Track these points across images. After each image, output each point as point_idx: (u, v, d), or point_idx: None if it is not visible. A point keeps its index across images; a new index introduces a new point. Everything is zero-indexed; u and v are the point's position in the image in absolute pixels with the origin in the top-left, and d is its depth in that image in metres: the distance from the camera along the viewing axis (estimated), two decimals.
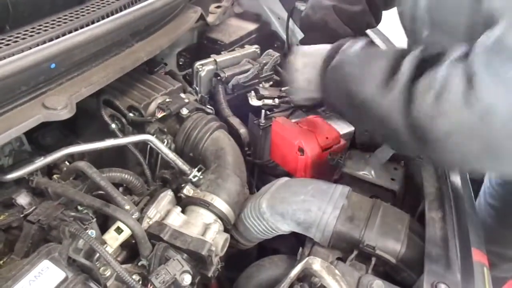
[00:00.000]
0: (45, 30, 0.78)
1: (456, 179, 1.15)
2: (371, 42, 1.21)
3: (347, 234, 0.98)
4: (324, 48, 1.10)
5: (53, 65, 0.73)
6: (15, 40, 0.74)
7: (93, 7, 0.89)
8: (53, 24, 0.80)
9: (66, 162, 1.18)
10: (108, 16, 0.87)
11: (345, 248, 0.99)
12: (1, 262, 0.93)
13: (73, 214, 0.96)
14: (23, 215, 0.97)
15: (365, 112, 0.90)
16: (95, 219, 0.99)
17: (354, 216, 1.00)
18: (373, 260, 0.95)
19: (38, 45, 0.72)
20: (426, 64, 0.81)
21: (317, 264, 0.82)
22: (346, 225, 0.99)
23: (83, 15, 0.86)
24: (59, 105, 0.75)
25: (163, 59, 1.67)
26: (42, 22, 0.81)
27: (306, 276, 0.88)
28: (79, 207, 1.01)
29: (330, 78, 1.01)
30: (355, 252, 0.97)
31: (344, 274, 0.86)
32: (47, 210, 0.96)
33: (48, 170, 1.16)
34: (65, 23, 0.81)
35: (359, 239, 0.96)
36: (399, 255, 0.94)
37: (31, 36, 0.76)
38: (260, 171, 1.58)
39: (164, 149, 1.11)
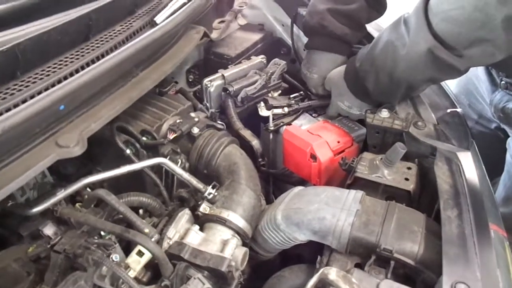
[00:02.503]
0: (54, 72, 0.82)
1: (472, 173, 1.13)
2: None
3: (363, 240, 0.98)
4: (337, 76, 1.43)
5: (62, 107, 0.77)
6: (26, 85, 0.78)
7: (97, 43, 0.93)
8: (60, 64, 0.84)
9: (88, 189, 1.23)
10: (112, 51, 0.91)
11: (363, 254, 1.00)
12: None
13: (96, 241, 1.00)
14: (50, 245, 1.02)
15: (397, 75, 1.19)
16: (117, 244, 1.03)
17: (369, 221, 1.01)
18: (392, 263, 0.95)
19: (47, 88, 0.76)
20: None
21: (332, 273, 0.83)
22: (361, 230, 0.99)
23: (88, 52, 0.89)
24: (71, 143, 0.79)
25: (173, 78, 1.71)
26: (51, 64, 0.85)
27: (324, 286, 0.89)
28: (102, 233, 1.05)
29: (363, 66, 1.28)
30: (373, 257, 0.97)
31: (362, 281, 0.87)
32: (72, 239, 1.00)
33: (71, 198, 1.20)
34: (71, 62, 0.85)
35: (376, 243, 0.97)
36: (417, 256, 0.94)
37: (41, 79, 0.80)
38: (276, 180, 1.60)
39: (178, 170, 1.15)
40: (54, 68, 0.84)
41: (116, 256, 1.01)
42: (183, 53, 1.19)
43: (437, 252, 0.93)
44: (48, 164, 0.76)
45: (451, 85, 1.99)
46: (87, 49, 0.92)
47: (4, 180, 0.69)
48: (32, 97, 0.74)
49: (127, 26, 1.02)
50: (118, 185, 1.30)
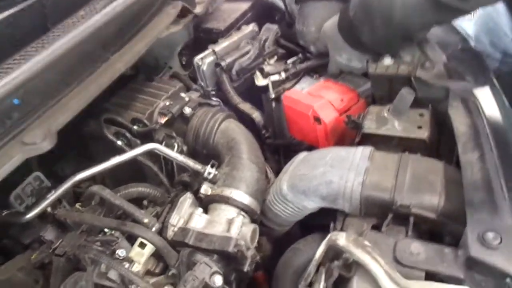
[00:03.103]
0: (11, 67, 0.76)
1: (493, 110, 1.01)
2: None
3: (377, 198, 0.89)
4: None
5: (16, 101, 0.71)
6: None
7: (58, 32, 0.87)
8: (18, 60, 0.78)
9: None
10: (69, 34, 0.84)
11: (379, 214, 0.91)
12: None
13: (97, 238, 0.96)
14: (51, 250, 0.98)
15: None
16: (121, 238, 0.98)
17: (381, 177, 0.92)
18: (411, 220, 0.86)
19: None
20: None
21: (342, 239, 0.75)
22: (373, 188, 0.90)
23: (47, 43, 0.83)
24: (38, 139, 0.74)
25: (166, 63, 1.64)
26: (8, 61, 0.79)
27: (339, 254, 0.81)
28: (106, 230, 1.01)
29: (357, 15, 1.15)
30: (389, 216, 0.88)
31: (377, 242, 0.78)
32: (72, 240, 0.96)
33: (76, 199, 1.17)
34: (24, 59, 0.79)
35: (391, 200, 0.88)
36: (438, 208, 0.84)
37: None
38: (286, 150, 1.52)
39: (172, 153, 1.08)
40: (14, 62, 0.78)
41: (122, 251, 0.96)
42: (158, 30, 1.11)
43: (461, 201, 0.83)
44: (15, 164, 0.71)
45: (468, 26, 1.83)
46: (47, 40, 0.85)
47: None
48: None
49: (90, 9, 0.94)
50: (119, 179, 1.26)
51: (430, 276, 0.72)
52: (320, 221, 1.24)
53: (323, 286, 0.73)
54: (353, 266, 0.75)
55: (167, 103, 1.21)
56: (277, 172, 1.38)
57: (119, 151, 1.16)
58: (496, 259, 0.68)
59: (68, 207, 1.12)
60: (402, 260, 0.74)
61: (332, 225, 0.96)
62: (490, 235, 0.71)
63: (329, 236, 0.77)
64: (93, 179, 1.28)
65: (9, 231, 1.06)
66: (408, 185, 0.88)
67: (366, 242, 0.75)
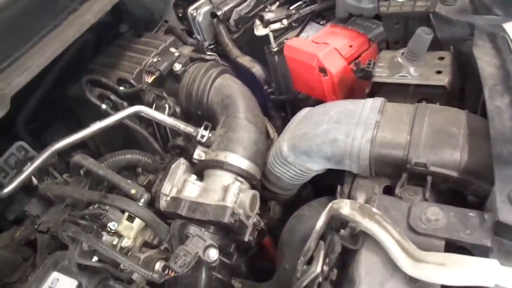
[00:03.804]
0: None
1: None
2: None
3: (389, 157, 0.78)
4: None
5: None
6: None
7: None
8: None
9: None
10: None
11: (392, 173, 0.80)
12: (29, 278, 0.89)
13: (83, 212, 0.89)
14: (36, 225, 0.92)
15: None
16: (109, 212, 0.90)
17: (393, 132, 0.79)
18: (429, 180, 0.75)
19: None
20: None
21: (346, 207, 0.64)
22: (384, 145, 0.79)
23: None
24: None
25: (162, 17, 1.51)
26: None
27: (344, 222, 0.71)
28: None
29: None
30: (404, 176, 0.77)
31: (388, 208, 0.68)
32: (56, 215, 0.89)
33: (67, 169, 1.10)
34: None
35: (405, 158, 0.76)
36: (460, 165, 0.73)
37: None
38: (293, 106, 1.39)
39: (159, 116, 0.98)
40: None
41: (113, 224, 0.89)
42: None
43: (488, 155, 0.71)
44: None
45: None
46: None
47: None
48: None
49: None
50: (114, 146, 1.17)
51: (451, 245, 0.62)
52: (334, 181, 1.15)
53: (322, 263, 0.63)
54: (360, 236, 0.65)
55: (154, 60, 1.09)
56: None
57: (105, 115, 1.07)
58: None
59: (59, 176, 1.05)
60: (418, 228, 0.63)
61: (339, 188, 0.85)
62: None
63: (330, 204, 0.67)
64: (87, 147, 1.21)
65: None
66: (425, 140, 0.76)
67: (375, 210, 0.64)
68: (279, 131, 1.21)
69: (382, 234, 0.61)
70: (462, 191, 0.77)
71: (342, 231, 0.71)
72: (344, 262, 0.69)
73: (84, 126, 1.21)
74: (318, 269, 0.62)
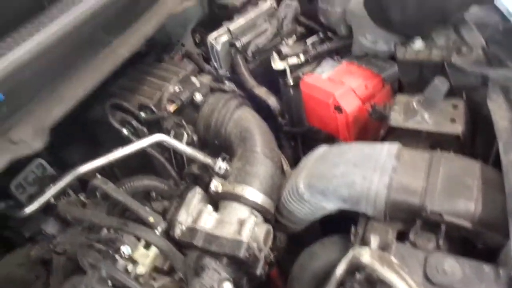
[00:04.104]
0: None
1: None
2: None
3: (405, 203, 0.80)
4: None
5: (0, 97, 0.63)
6: None
7: (54, 11, 0.77)
8: (7, 44, 0.70)
9: (97, 175, 1.13)
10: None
11: (406, 219, 0.82)
12: None
13: (99, 237, 0.90)
14: (52, 245, 0.93)
15: None
16: (125, 236, 0.92)
17: (410, 179, 0.82)
18: (443, 228, 0.77)
19: None
20: None
21: (366, 255, 0.67)
22: (401, 192, 0.81)
23: (42, 24, 0.74)
24: (28, 137, 0.66)
25: (179, 41, 1.54)
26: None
27: (360, 266, 0.73)
28: None
29: None
30: (418, 223, 0.79)
31: (405, 257, 0.70)
32: (72, 237, 0.91)
33: (82, 187, 1.11)
34: (15, 42, 0.70)
35: (421, 205, 0.79)
36: (474, 216, 0.75)
37: None
38: (304, 138, 1.42)
39: (180, 146, 1.01)
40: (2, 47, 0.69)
41: (126, 248, 0.90)
42: (168, 9, 1.01)
43: (501, 207, 0.74)
44: (1, 166, 0.64)
45: (509, 3, 1.66)
46: (45, 21, 0.76)
47: None
48: None
49: None
50: (130, 169, 1.19)
51: None
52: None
53: None
54: (377, 283, 0.67)
55: (177, 89, 1.12)
56: (293, 160, 1.30)
57: (126, 139, 1.09)
58: None
59: (74, 196, 1.06)
60: (434, 279, 0.66)
61: (353, 229, 0.88)
62: None
63: (351, 252, 0.69)
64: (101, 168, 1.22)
65: (10, 221, 1.01)
66: (441, 189, 0.79)
67: (393, 259, 0.67)
68: (289, 161, 1.25)
69: (401, 284, 0.64)
70: (473, 240, 0.79)
71: (357, 274, 0.73)
72: None
73: (102, 145, 1.24)
74: None
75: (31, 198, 1.00)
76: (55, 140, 1.18)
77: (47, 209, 1.00)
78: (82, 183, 1.11)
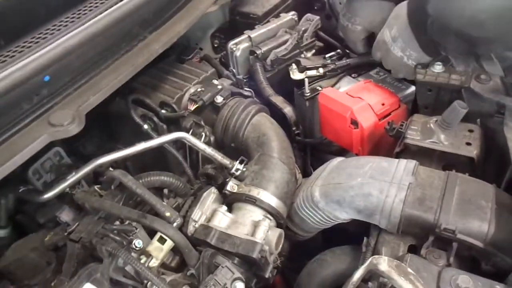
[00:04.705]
0: (44, 38, 0.71)
1: None
2: None
3: (419, 218, 0.83)
4: (399, 6, 1.11)
5: (47, 78, 0.65)
6: (12, 55, 0.67)
7: (96, 3, 0.80)
8: (53, 30, 0.72)
9: (110, 168, 1.14)
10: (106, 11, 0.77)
11: (419, 234, 0.85)
12: (52, 284, 0.91)
13: (115, 227, 0.91)
14: (66, 233, 0.94)
15: (479, 24, 0.90)
16: (139, 228, 0.93)
17: (425, 196, 0.85)
18: (455, 245, 0.79)
19: (28, 58, 0.65)
20: None
21: (383, 264, 0.69)
22: (416, 207, 0.83)
23: (84, 14, 0.77)
24: (66, 120, 0.68)
25: (198, 44, 1.57)
26: (43, 31, 0.73)
27: (374, 275, 0.75)
28: None
29: (434, 3, 0.96)
30: (431, 238, 0.82)
31: (419, 269, 0.72)
32: (89, 225, 0.91)
33: (95, 179, 1.12)
34: (58, 30, 0.73)
35: (435, 222, 0.81)
36: (487, 237, 0.78)
37: (29, 47, 0.69)
38: (314, 150, 1.45)
39: (200, 145, 1.02)
40: (46, 34, 0.72)
41: (138, 242, 0.92)
42: (199, 10, 1.04)
43: None
44: (39, 147, 0.66)
45: None
46: (85, 11, 0.79)
47: None
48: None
49: None
50: (142, 163, 1.21)
51: None
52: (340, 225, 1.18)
53: None
54: None
55: (199, 89, 1.15)
56: (302, 171, 1.32)
57: (145, 134, 1.11)
58: None
59: (86, 186, 1.08)
60: None
61: (365, 240, 0.89)
62: None
63: (370, 259, 0.71)
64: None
65: (25, 206, 1.02)
66: (455, 208, 0.81)
67: (409, 270, 0.68)
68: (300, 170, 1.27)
69: None
70: (482, 260, 0.82)
71: (370, 283, 0.75)
72: None
73: (118, 139, 1.26)
74: None
75: (47, 185, 1.02)
76: None
77: (61, 197, 1.02)
78: (94, 175, 1.13)
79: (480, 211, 0.80)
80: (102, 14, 0.75)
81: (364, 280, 0.75)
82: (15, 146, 0.63)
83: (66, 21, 0.75)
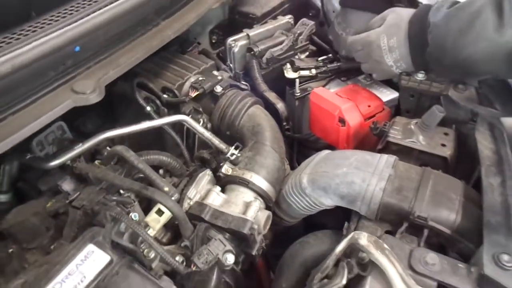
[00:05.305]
0: (70, 13, 0.77)
1: None
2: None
3: (396, 206, 0.92)
4: (400, 14, 1.16)
5: (77, 48, 0.72)
6: (42, 26, 0.74)
7: None
8: (77, 7, 0.79)
9: (107, 148, 1.19)
10: None
11: (394, 221, 0.94)
12: (52, 247, 0.96)
13: (115, 198, 0.97)
14: (68, 201, 0.99)
15: (472, 63, 0.99)
16: (136, 202, 0.99)
17: (402, 187, 0.94)
18: (425, 232, 0.89)
19: (62, 28, 0.71)
20: None
21: (363, 238, 0.77)
22: (394, 196, 0.93)
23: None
24: (88, 89, 0.74)
25: (196, 39, 1.64)
26: (68, 6, 0.80)
27: (353, 252, 0.83)
28: (121, 191, 1.02)
29: (435, 36, 1.04)
30: (405, 225, 0.91)
31: (394, 247, 0.81)
32: (90, 195, 0.97)
33: (91, 156, 1.17)
34: (89, 4, 0.80)
35: (409, 210, 0.90)
36: (454, 225, 0.87)
37: (57, 20, 0.75)
38: (300, 146, 1.54)
39: (199, 128, 1.10)
40: (72, 10, 0.78)
41: (135, 215, 0.98)
42: (207, 3, 1.12)
43: (476, 221, 0.86)
44: (63, 110, 0.72)
45: None
46: None
47: (18, 125, 0.66)
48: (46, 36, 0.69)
49: None
50: (139, 144, 1.26)
51: (441, 287, 0.75)
52: (321, 221, 1.28)
53: (346, 281, 0.75)
54: (368, 265, 0.78)
55: (200, 78, 1.22)
56: (289, 165, 1.40)
57: (146, 116, 1.17)
58: (508, 281, 0.71)
59: (84, 162, 1.13)
60: (417, 268, 0.77)
61: (346, 224, 0.98)
62: (505, 257, 0.73)
63: (352, 234, 0.79)
64: (112, 140, 1.29)
65: (27, 174, 1.07)
66: (428, 198, 0.91)
67: (385, 245, 0.77)
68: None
69: (389, 267, 0.74)
70: (449, 247, 0.91)
71: (349, 259, 0.83)
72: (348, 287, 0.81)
73: (117, 120, 1.32)
74: (344, 281, 0.74)
75: (49, 157, 1.07)
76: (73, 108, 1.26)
77: (63, 169, 1.07)
78: (91, 152, 1.18)
79: (450, 202, 0.90)
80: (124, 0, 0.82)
81: (346, 256, 0.84)
82: (42, 107, 0.69)
83: (89, 1, 0.82)
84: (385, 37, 1.16)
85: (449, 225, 0.87)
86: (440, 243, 0.92)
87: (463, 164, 1.13)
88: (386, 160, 1.00)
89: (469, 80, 1.15)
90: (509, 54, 0.91)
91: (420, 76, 1.19)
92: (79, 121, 1.30)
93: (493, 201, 0.85)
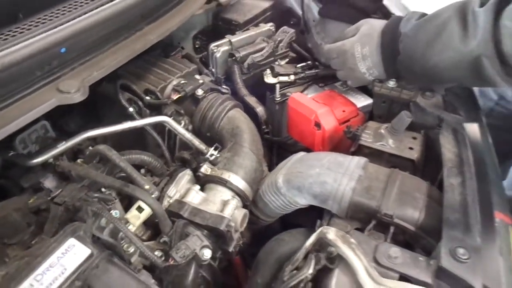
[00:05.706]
0: (56, 17, 0.81)
1: (478, 145, 1.11)
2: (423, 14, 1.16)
3: (364, 205, 0.97)
4: (373, 24, 1.22)
5: (63, 49, 0.76)
6: (28, 28, 0.77)
7: None
8: (64, 10, 0.83)
9: (90, 147, 1.22)
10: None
11: (363, 219, 0.99)
12: (33, 242, 0.99)
13: (96, 195, 1.00)
14: (50, 197, 1.02)
15: (439, 71, 1.07)
16: (117, 200, 1.03)
17: (371, 186, 1.00)
18: (392, 229, 0.94)
19: (49, 30, 0.75)
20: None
21: (331, 233, 0.82)
22: (363, 195, 0.98)
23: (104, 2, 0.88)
24: (72, 89, 0.78)
25: (180, 43, 1.68)
26: (54, 9, 0.83)
27: (322, 246, 0.88)
28: (103, 189, 1.05)
29: (405, 45, 1.12)
30: (373, 222, 0.96)
31: (361, 242, 0.86)
32: (72, 192, 1.00)
33: (74, 155, 1.20)
34: (75, 8, 0.84)
35: (377, 208, 0.96)
36: (418, 222, 0.93)
37: (43, 23, 0.79)
38: (279, 148, 1.59)
39: (180, 129, 1.14)
40: (58, 13, 0.82)
41: (116, 212, 1.02)
42: (190, 11, 1.17)
43: (438, 219, 0.92)
44: (48, 108, 0.75)
45: None
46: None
47: (3, 121, 0.69)
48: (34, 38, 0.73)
49: None
50: (121, 145, 1.29)
51: (403, 278, 0.81)
52: (297, 221, 1.33)
53: (312, 270, 0.80)
54: (336, 259, 0.83)
55: (182, 82, 1.26)
56: (267, 167, 1.45)
57: (129, 117, 1.21)
58: (463, 272, 0.76)
59: (66, 160, 1.16)
60: (381, 261, 0.82)
61: (318, 222, 1.03)
62: (460, 251, 0.79)
63: (320, 229, 0.84)
64: (94, 139, 1.32)
65: (9, 172, 1.09)
66: (394, 198, 0.97)
67: (352, 240, 0.83)
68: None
69: (355, 260, 0.79)
70: (413, 243, 0.97)
71: (319, 253, 0.88)
72: (317, 279, 0.86)
73: (100, 120, 1.35)
74: (310, 271, 0.79)
75: (31, 155, 1.10)
76: (56, 107, 1.29)
77: (45, 167, 1.10)
78: (73, 151, 1.21)
79: (414, 201, 0.96)
80: (110, 4, 0.86)
81: (316, 250, 0.89)
82: (27, 104, 0.73)
83: (80, 3, 0.86)
84: (359, 46, 1.23)
85: (413, 223, 0.93)
86: (406, 240, 0.98)
87: (430, 166, 1.19)
88: (357, 161, 1.06)
89: (436, 87, 1.23)
90: (472, 62, 0.99)
91: (392, 83, 1.26)
92: (62, 121, 1.33)
93: (453, 199, 0.92)
